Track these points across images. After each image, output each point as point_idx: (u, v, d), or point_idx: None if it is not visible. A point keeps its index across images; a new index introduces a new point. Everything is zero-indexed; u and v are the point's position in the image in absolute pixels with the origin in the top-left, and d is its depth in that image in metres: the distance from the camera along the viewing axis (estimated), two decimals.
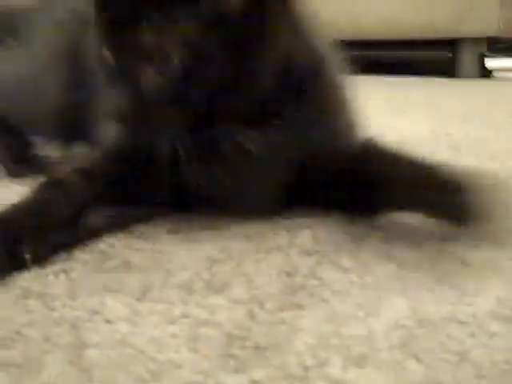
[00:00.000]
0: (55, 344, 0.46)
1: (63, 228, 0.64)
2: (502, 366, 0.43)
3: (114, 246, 0.66)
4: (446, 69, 2.99)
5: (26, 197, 0.65)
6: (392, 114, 1.63)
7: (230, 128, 0.67)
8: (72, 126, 0.91)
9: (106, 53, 0.62)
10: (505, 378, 0.42)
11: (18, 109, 0.98)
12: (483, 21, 2.78)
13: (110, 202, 0.71)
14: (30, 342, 0.47)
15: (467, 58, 2.93)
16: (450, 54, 2.99)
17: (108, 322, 0.50)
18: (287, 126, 0.69)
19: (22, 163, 0.97)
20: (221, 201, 0.72)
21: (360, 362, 0.44)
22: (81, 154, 0.74)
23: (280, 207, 0.73)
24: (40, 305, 0.53)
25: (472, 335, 0.47)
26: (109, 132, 0.71)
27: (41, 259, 0.61)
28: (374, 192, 0.69)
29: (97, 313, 0.51)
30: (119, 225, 0.72)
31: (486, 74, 3.02)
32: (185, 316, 0.51)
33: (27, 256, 0.59)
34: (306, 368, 0.43)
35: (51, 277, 0.58)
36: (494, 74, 3.21)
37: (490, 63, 3.10)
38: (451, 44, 2.95)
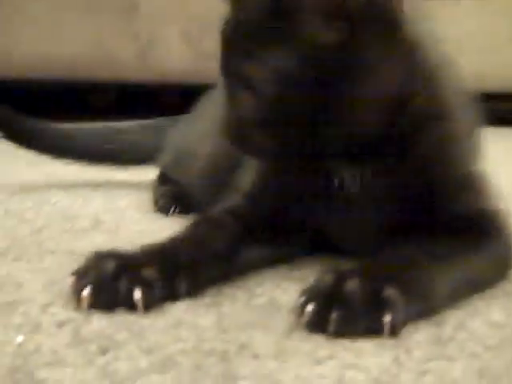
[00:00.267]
0: (206, 373, 0.48)
1: (216, 263, 0.67)
2: None
3: (262, 284, 0.68)
4: None
5: (183, 231, 0.68)
6: None
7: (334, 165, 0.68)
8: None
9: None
10: None
11: (180, 169, 1.05)
12: None
13: (257, 242, 0.73)
14: (183, 370, 0.48)
15: None
16: None
17: (256, 357, 0.51)
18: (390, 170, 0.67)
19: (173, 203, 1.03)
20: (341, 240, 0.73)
21: None
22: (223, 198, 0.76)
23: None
24: (192, 335, 0.55)
25: None
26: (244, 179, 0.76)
27: (194, 292, 0.63)
28: None
29: (245, 347, 0.52)
30: (266, 263, 0.73)
31: None
32: (331, 357, 0.51)
33: (182, 287, 0.62)
34: None
35: (202, 309, 0.60)
36: None
37: None
38: None
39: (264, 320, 0.58)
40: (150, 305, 0.59)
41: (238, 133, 0.67)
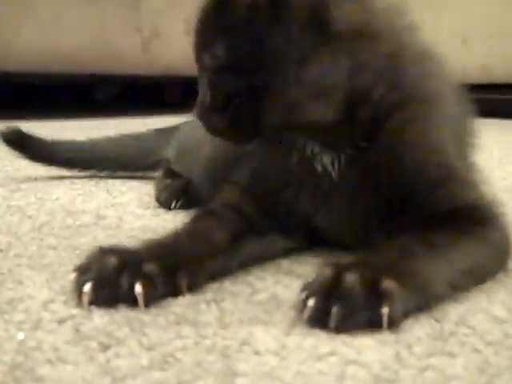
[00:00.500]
0: (207, 370, 0.48)
1: (217, 257, 0.67)
2: None
3: (263, 280, 0.68)
4: None
5: (183, 226, 0.68)
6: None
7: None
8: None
9: None
10: None
11: (186, 164, 1.07)
12: None
13: (256, 235, 0.73)
14: (183, 367, 0.49)
15: None
16: None
17: (257, 353, 0.51)
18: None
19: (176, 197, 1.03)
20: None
21: None
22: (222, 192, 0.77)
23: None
24: (193, 332, 0.55)
25: None
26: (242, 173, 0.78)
27: (195, 287, 0.63)
28: None
29: (246, 343, 0.52)
30: (267, 259, 0.73)
31: None
32: (332, 353, 0.51)
33: (183, 283, 0.62)
34: None
35: (203, 305, 0.61)
36: None
37: None
38: None
39: (265, 316, 0.58)
40: (151, 300, 0.59)
41: (201, 114, 0.70)
